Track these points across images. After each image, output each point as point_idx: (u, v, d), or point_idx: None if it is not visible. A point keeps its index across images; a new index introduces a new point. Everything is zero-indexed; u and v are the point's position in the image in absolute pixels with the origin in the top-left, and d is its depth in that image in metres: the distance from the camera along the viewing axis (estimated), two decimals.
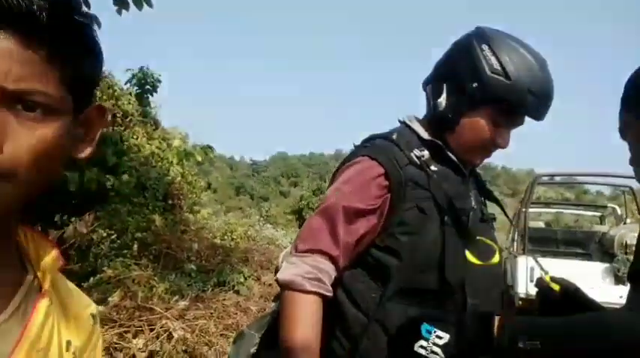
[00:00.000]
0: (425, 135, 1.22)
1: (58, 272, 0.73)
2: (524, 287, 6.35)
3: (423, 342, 1.08)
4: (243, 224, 12.52)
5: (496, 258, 1.23)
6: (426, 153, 1.17)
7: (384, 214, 1.12)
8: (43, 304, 0.65)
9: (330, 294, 1.09)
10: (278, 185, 72.09)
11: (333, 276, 1.10)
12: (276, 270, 1.37)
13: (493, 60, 1.12)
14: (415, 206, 1.12)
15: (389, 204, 1.12)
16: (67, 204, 4.92)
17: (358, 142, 1.27)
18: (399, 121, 1.29)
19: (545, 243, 7.96)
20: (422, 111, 1.29)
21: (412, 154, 1.16)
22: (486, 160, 1.28)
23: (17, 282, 0.65)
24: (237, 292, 5.01)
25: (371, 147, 1.19)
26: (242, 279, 5.24)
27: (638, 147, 1.00)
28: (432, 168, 1.16)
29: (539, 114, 1.17)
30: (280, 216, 30.60)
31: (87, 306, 0.78)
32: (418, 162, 1.15)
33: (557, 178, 8.59)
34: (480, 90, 1.13)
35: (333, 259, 1.09)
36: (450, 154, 1.20)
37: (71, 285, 0.77)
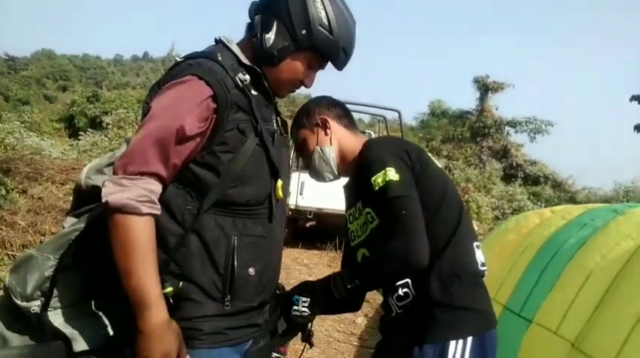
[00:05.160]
0: (245, 60, 1.29)
1: None
2: (295, 199, 7.30)
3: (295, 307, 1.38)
4: (0, 130, 10.82)
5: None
6: (247, 77, 1.25)
7: (208, 134, 1.19)
8: None
9: (159, 213, 1.14)
10: (42, 87, 62.10)
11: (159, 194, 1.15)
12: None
13: (323, 14, 1.26)
14: (236, 127, 1.20)
15: (213, 124, 1.18)
16: None
17: (180, 58, 1.28)
18: (216, 40, 1.34)
19: None
20: None
21: (237, 77, 1.23)
22: None
23: None
24: (0, 206, 4.53)
25: (198, 66, 1.20)
26: (4, 192, 4.73)
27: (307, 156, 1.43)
28: (252, 92, 1.26)
29: (342, 66, 1.36)
30: (46, 124, 26.78)
31: None
32: (241, 86, 1.22)
33: None
34: (307, 38, 1.26)
35: (162, 180, 1.15)
36: (265, 82, 1.31)
37: None
